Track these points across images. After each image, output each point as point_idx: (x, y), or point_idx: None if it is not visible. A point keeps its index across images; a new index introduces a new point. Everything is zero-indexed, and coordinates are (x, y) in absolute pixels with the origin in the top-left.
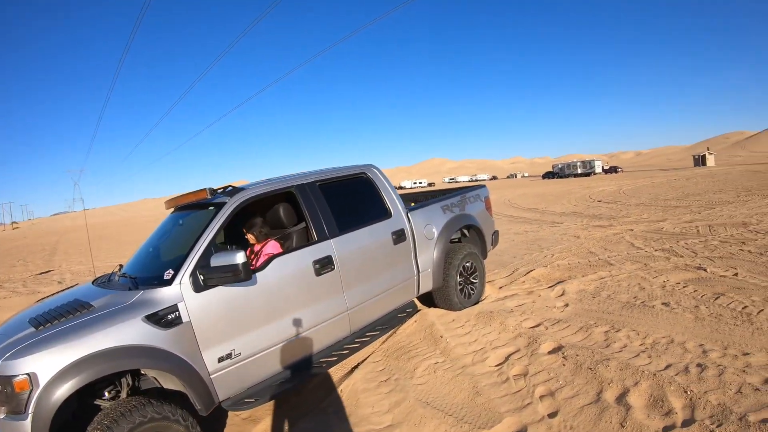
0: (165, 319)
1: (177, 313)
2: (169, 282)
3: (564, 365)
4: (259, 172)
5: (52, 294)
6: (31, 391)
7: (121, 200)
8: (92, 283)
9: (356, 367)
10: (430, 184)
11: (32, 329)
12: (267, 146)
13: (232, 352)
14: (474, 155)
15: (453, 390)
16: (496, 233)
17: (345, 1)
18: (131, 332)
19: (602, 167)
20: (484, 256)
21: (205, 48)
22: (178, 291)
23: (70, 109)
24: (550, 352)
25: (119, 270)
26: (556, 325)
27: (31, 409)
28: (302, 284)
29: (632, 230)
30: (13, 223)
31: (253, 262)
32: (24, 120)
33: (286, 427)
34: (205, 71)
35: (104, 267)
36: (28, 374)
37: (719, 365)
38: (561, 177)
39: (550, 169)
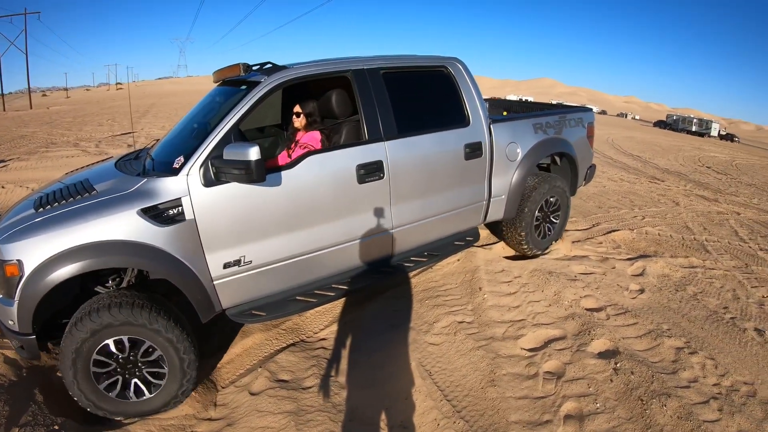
0: (165, 213)
1: (180, 208)
2: (175, 172)
3: (611, 381)
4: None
5: (81, 168)
6: (21, 277)
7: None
8: (117, 160)
9: (370, 299)
10: None
11: (32, 211)
12: (374, 33)
13: (242, 258)
14: (588, 84)
15: (466, 366)
16: (592, 168)
17: None
18: (122, 226)
19: (719, 131)
20: (573, 193)
21: None
22: (185, 183)
23: None
24: (600, 354)
25: (153, 147)
26: (621, 317)
27: (17, 296)
28: (338, 191)
29: (739, 214)
30: (117, 83)
31: (292, 153)
32: None
33: (267, 352)
34: None
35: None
36: (17, 260)
37: None
38: (673, 129)
39: (663, 119)
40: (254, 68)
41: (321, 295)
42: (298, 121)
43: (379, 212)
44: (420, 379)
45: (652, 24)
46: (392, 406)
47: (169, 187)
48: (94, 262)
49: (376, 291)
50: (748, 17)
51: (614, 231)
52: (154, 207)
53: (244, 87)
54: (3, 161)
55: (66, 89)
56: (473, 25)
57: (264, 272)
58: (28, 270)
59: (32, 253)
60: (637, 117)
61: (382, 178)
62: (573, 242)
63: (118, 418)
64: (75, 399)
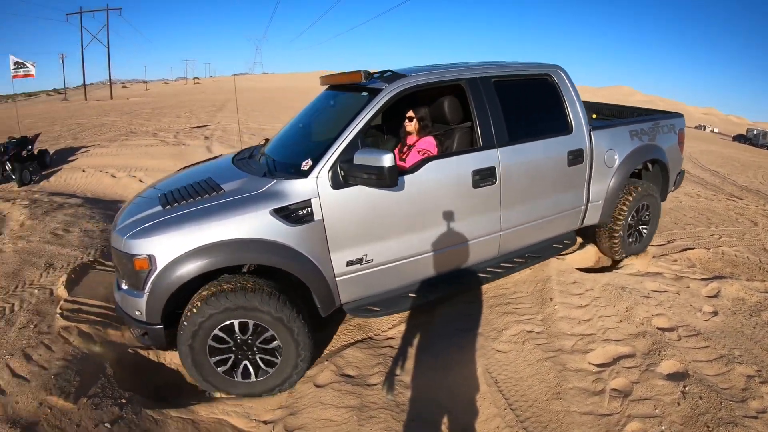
0: (296, 214)
1: (309, 209)
2: (305, 174)
3: (678, 405)
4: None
5: (197, 163)
6: (150, 271)
7: (297, 69)
8: (232, 158)
9: (441, 302)
10: None
11: (159, 207)
12: (447, 36)
13: (364, 257)
14: (666, 94)
15: (533, 376)
16: (681, 173)
17: None
18: (257, 225)
19: None
20: (663, 198)
21: None
22: (314, 185)
23: None
24: (668, 376)
25: (264, 146)
26: (693, 339)
27: (147, 288)
28: (455, 195)
29: None
30: (194, 78)
31: (405, 157)
32: None
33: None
34: None
35: (255, 129)
36: (148, 255)
37: None
38: (753, 144)
39: (743, 133)
40: (375, 75)
41: (431, 293)
42: (411, 126)
43: (490, 215)
44: (485, 385)
45: (736, 33)
46: (455, 410)
47: (299, 189)
48: (227, 259)
49: (447, 295)
50: None
51: (690, 249)
52: (286, 207)
53: (365, 93)
54: (85, 147)
55: (145, 82)
56: (550, 30)
57: (382, 270)
58: (161, 265)
59: (165, 248)
60: (715, 130)
61: (494, 183)
62: (650, 257)
63: (217, 394)
64: (189, 373)
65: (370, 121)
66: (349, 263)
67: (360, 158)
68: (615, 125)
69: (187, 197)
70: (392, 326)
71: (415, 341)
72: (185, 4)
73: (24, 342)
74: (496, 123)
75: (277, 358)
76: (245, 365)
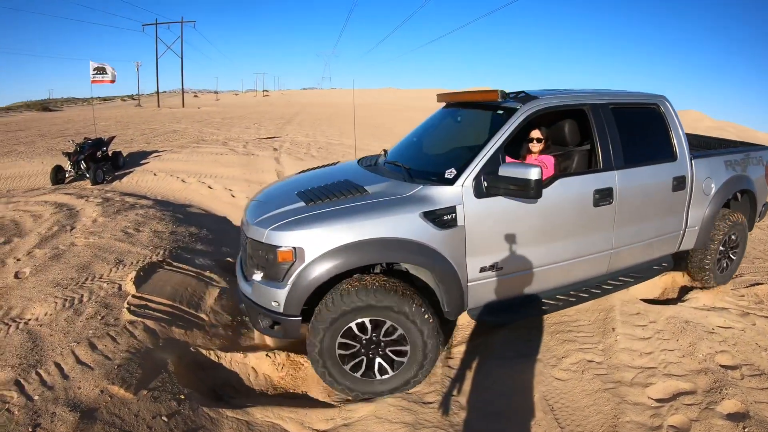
0: (441, 218)
1: (454, 215)
2: (450, 182)
3: None
4: (488, 81)
5: (314, 167)
6: (293, 263)
7: (364, 85)
8: (358, 163)
9: (502, 325)
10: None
11: (302, 203)
12: (511, 57)
13: (495, 264)
14: (736, 119)
15: (590, 407)
16: (766, 205)
17: None
18: (407, 225)
19: None
20: (750, 228)
21: None
22: (459, 193)
23: None
24: (728, 416)
25: (384, 155)
26: (756, 379)
27: (291, 281)
28: (578, 212)
29: None
30: (264, 90)
31: None
32: (281, 4)
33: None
34: None
35: (323, 143)
36: (294, 247)
37: None
38: None
39: None
40: (510, 95)
41: (548, 304)
42: (537, 146)
43: (604, 234)
44: (541, 412)
45: None
46: None
47: (446, 195)
48: (378, 256)
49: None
50: None
51: (758, 284)
52: (434, 212)
53: (500, 111)
54: (157, 151)
55: (216, 92)
56: (614, 53)
57: (509, 279)
58: (309, 257)
59: (315, 242)
60: None
61: (611, 203)
62: (716, 292)
63: (352, 395)
64: (317, 372)
65: (510, 137)
66: (483, 269)
67: (506, 170)
68: (712, 155)
69: (331, 196)
70: (453, 345)
71: (474, 363)
72: (257, 18)
73: (90, 332)
74: (614, 147)
75: (404, 358)
76: (370, 363)
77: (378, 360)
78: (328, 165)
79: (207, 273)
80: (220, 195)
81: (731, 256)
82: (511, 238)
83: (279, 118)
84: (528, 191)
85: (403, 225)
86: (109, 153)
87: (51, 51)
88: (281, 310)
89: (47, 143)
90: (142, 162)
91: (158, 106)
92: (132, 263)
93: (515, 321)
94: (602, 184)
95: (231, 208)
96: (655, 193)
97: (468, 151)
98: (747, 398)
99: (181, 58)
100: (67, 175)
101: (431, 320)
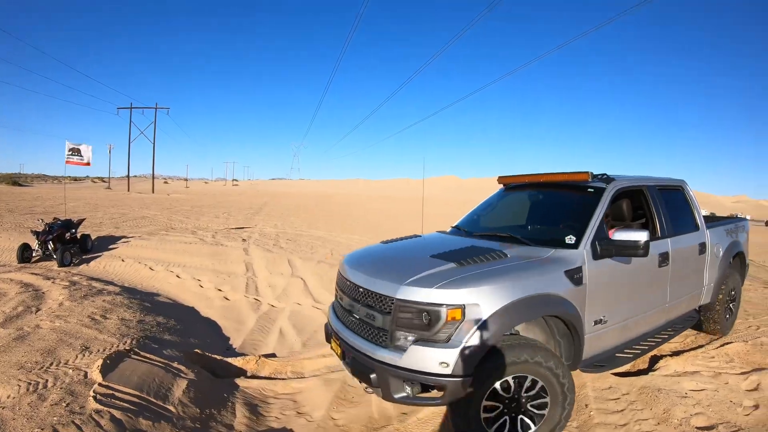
0: (574, 277)
1: (581, 274)
2: (575, 246)
3: None
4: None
5: (399, 238)
6: (461, 322)
7: (330, 176)
8: (457, 233)
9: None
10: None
11: (452, 264)
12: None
13: (602, 318)
14: (696, 186)
15: None
16: (747, 266)
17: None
18: (555, 283)
19: None
20: (742, 283)
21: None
22: (583, 255)
23: (292, 93)
24: None
25: (464, 228)
26: None
27: (462, 339)
28: (651, 271)
29: None
30: (233, 180)
31: None
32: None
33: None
34: (410, 77)
35: (291, 234)
36: (463, 305)
37: None
38: None
39: None
40: (598, 176)
41: (633, 352)
42: (606, 222)
43: (663, 290)
44: None
45: (761, 119)
46: None
47: (575, 256)
48: (540, 311)
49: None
50: None
51: (727, 344)
52: (570, 270)
53: (591, 190)
54: (126, 237)
55: (186, 179)
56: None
57: (610, 331)
58: (485, 314)
59: (489, 299)
60: (748, 217)
61: (667, 264)
62: (686, 357)
63: None
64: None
65: (606, 210)
66: (596, 322)
67: (620, 235)
68: (717, 225)
69: (478, 260)
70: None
71: None
72: (228, 110)
73: (55, 419)
74: (666, 219)
75: (544, 411)
76: (516, 420)
77: (516, 418)
78: (409, 237)
79: (175, 364)
80: (189, 285)
81: (731, 308)
82: (614, 294)
83: (248, 208)
84: (638, 250)
85: (553, 282)
86: (78, 235)
87: (25, 125)
88: (449, 371)
89: (15, 219)
90: (110, 247)
91: (128, 190)
92: (98, 350)
93: (611, 369)
94: (662, 249)
95: (198, 298)
96: (689, 256)
97: (573, 221)
98: None
99: (153, 144)
100: (34, 254)
101: (565, 365)
